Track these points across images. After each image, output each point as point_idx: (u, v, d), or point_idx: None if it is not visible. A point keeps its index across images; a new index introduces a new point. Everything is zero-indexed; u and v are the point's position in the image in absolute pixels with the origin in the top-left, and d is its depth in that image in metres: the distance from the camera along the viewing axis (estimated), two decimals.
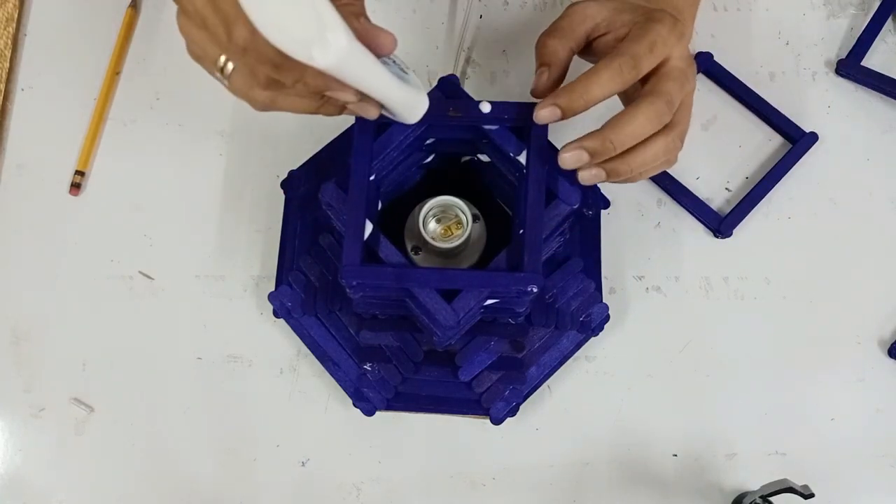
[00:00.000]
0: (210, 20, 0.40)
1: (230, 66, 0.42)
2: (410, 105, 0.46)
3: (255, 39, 0.37)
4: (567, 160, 0.47)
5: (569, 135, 0.49)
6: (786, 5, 0.70)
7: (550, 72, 0.50)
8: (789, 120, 0.66)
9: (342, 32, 0.36)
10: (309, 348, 0.60)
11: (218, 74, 0.43)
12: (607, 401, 0.61)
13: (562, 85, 0.49)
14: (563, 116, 0.48)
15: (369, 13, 0.46)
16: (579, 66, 0.52)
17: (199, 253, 0.64)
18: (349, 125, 0.61)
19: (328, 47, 0.36)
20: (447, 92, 0.53)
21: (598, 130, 0.47)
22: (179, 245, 0.64)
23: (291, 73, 0.40)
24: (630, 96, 0.52)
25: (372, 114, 0.46)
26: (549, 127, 0.50)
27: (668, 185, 0.65)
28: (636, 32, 0.48)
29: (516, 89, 0.68)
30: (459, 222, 0.56)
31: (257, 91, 0.42)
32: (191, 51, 0.43)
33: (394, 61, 0.45)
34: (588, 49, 0.52)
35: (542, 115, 0.48)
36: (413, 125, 0.52)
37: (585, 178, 0.48)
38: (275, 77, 0.41)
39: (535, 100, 0.50)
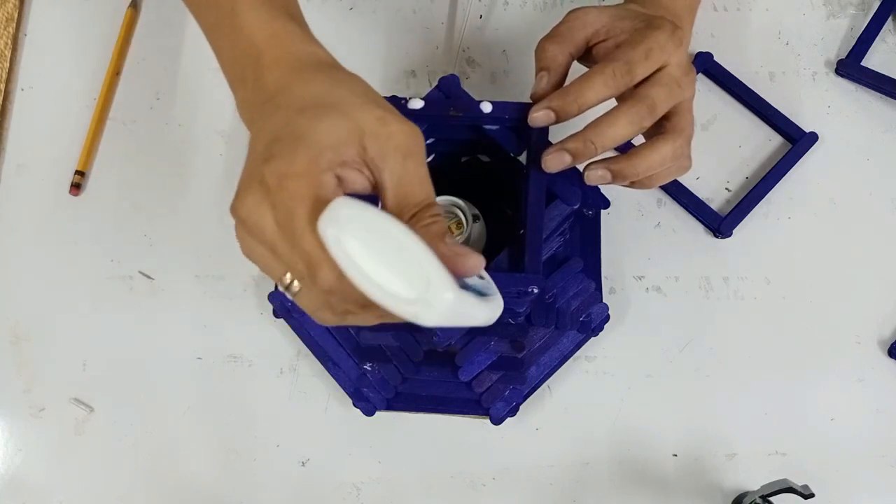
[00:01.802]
0: (283, 251, 0.37)
1: (297, 285, 0.38)
2: (491, 319, 0.40)
3: (342, 284, 0.35)
4: (549, 162, 0.48)
5: (568, 134, 0.49)
6: (786, 5, 0.70)
7: (549, 76, 0.50)
8: (789, 120, 0.66)
9: (449, 290, 0.33)
10: (309, 348, 0.60)
11: (281, 287, 0.39)
12: (607, 401, 0.61)
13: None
14: (558, 120, 0.48)
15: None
16: (581, 71, 0.52)
17: (199, 253, 0.64)
18: None
19: (433, 308, 0.33)
20: (447, 92, 0.53)
21: (579, 132, 0.48)
22: (179, 245, 0.64)
23: (375, 311, 0.37)
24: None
25: None
26: (551, 128, 0.51)
27: (669, 185, 0.65)
28: (633, 38, 0.48)
29: (516, 89, 0.68)
30: (459, 222, 0.56)
31: (328, 316, 0.39)
32: (248, 257, 0.39)
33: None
34: (588, 55, 0.52)
35: (537, 117, 0.48)
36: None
37: (591, 178, 0.49)
38: (353, 311, 0.38)
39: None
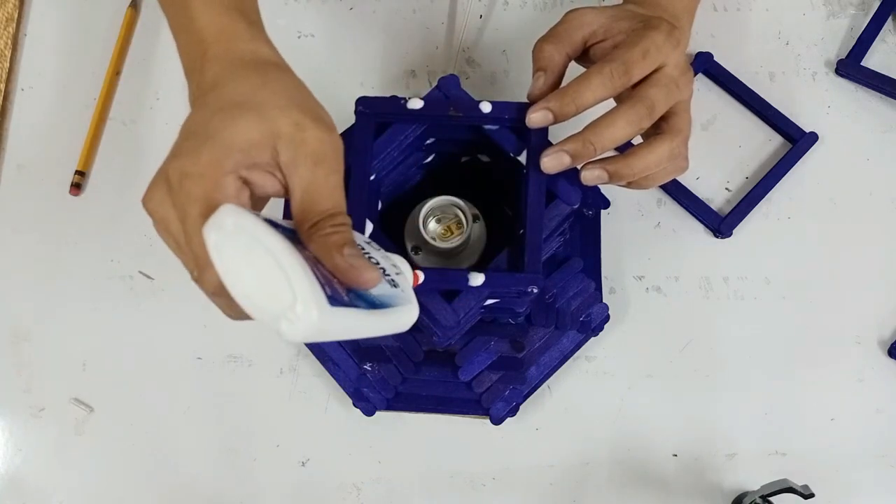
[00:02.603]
0: (182, 249, 0.38)
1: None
2: (396, 328, 0.40)
3: (224, 288, 0.35)
4: (548, 163, 0.48)
5: (567, 134, 0.49)
6: (786, 5, 0.70)
7: (546, 76, 0.50)
8: (789, 120, 0.66)
9: (313, 308, 0.33)
10: (309, 348, 0.60)
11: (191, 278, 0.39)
12: (607, 401, 0.61)
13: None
14: (556, 120, 0.48)
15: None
16: (577, 72, 0.52)
17: None
18: (349, 125, 0.61)
19: (295, 325, 0.33)
20: (447, 92, 0.53)
21: (578, 133, 0.48)
22: None
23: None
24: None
25: None
26: (550, 128, 0.51)
27: (668, 185, 0.65)
28: (631, 39, 0.48)
29: (516, 89, 0.68)
30: (459, 222, 0.56)
31: (226, 311, 0.39)
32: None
33: (385, 272, 0.40)
34: (585, 56, 0.52)
35: (534, 118, 0.48)
36: (413, 125, 0.52)
37: (588, 178, 0.49)
38: (241, 314, 0.38)
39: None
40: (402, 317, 0.39)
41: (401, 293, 0.40)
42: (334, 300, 0.34)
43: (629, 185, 0.51)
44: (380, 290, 0.38)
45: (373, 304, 0.37)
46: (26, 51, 0.69)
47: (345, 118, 0.55)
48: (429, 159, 0.57)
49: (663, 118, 0.49)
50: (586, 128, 0.48)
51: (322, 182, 0.39)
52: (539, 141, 0.51)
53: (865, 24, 0.68)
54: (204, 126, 0.39)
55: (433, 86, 0.54)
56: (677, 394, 0.61)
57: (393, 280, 0.40)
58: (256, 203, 0.41)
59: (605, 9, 0.51)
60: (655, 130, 0.49)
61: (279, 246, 0.34)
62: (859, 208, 0.65)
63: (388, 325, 0.38)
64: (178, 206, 0.37)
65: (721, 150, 0.66)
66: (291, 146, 0.38)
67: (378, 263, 0.40)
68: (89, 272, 0.64)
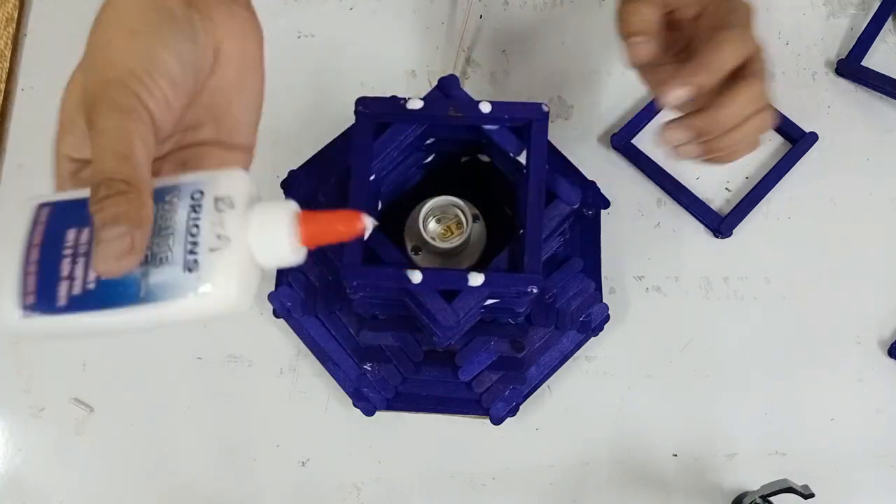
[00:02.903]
0: None
1: None
2: (169, 319, 0.33)
3: None
4: (671, 138, 0.45)
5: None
6: (786, 5, 0.70)
7: (650, 40, 0.46)
8: (789, 120, 0.66)
9: (12, 306, 0.32)
10: (309, 348, 0.60)
11: None
12: (607, 401, 0.61)
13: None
14: (697, 94, 0.45)
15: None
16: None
17: None
18: (349, 125, 0.61)
19: None
20: (447, 92, 0.53)
21: (703, 111, 0.45)
22: None
23: None
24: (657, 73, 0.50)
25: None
26: (549, 129, 0.50)
27: (668, 185, 0.65)
28: (730, 17, 0.46)
29: (516, 89, 0.68)
30: (459, 222, 0.56)
31: None
32: None
33: (183, 249, 0.33)
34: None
35: (678, 94, 0.45)
36: (413, 125, 0.52)
37: (671, 138, 0.46)
38: None
39: (533, 100, 0.50)
40: (176, 311, 0.32)
41: (195, 278, 0.32)
42: (40, 306, 0.33)
43: (713, 159, 0.47)
44: (159, 275, 0.32)
45: (131, 297, 0.32)
46: (26, 51, 0.69)
47: (345, 118, 0.55)
48: (429, 159, 0.57)
49: (737, 70, 0.46)
50: (712, 105, 0.45)
51: (96, 133, 0.32)
52: (539, 141, 0.51)
53: (866, 24, 0.68)
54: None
55: (433, 86, 0.54)
56: (677, 394, 0.61)
57: (194, 260, 0.32)
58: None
59: None
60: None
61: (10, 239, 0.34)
62: (859, 208, 0.65)
63: (146, 320, 0.33)
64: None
65: None
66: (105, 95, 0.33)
67: (169, 233, 0.33)
68: None
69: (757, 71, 0.46)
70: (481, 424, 0.60)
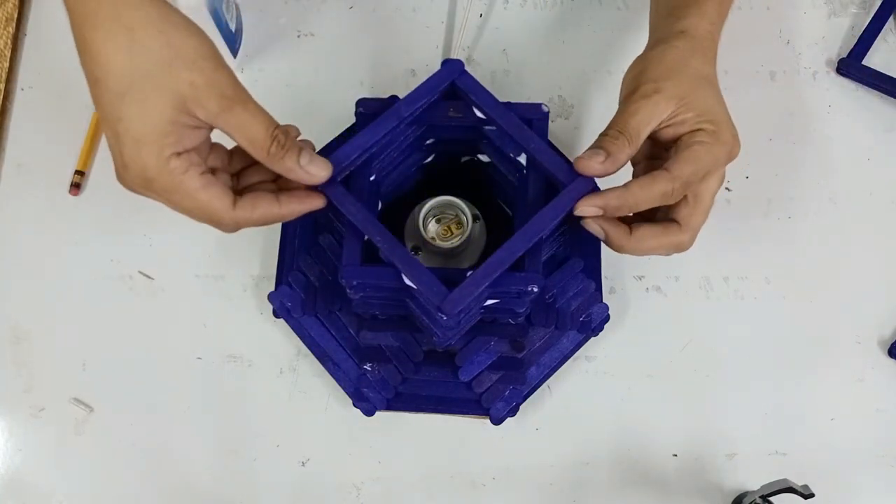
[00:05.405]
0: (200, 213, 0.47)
1: None
2: None
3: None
4: (586, 212, 0.47)
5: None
6: (786, 4, 0.70)
7: (607, 163, 0.47)
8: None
9: None
10: (309, 348, 0.60)
11: None
12: (607, 401, 0.61)
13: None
14: (605, 216, 0.47)
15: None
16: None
17: (199, 253, 0.64)
18: (349, 125, 0.61)
19: None
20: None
21: (619, 189, 0.46)
22: (179, 245, 0.64)
23: None
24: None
25: None
26: (549, 129, 0.50)
27: None
28: (696, 153, 0.46)
29: (516, 89, 0.68)
30: (459, 222, 0.56)
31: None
32: None
33: None
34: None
35: (586, 211, 0.47)
36: (413, 125, 0.52)
37: (582, 211, 0.47)
38: None
39: (533, 101, 0.50)
40: None
41: None
42: None
43: (620, 248, 0.48)
44: None
45: None
46: (26, 51, 0.69)
47: (345, 118, 0.55)
48: (429, 159, 0.57)
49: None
50: (628, 186, 0.46)
51: (241, 114, 0.42)
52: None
53: (867, 23, 0.68)
54: (119, 125, 0.42)
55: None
56: (677, 394, 0.61)
57: None
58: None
59: (674, 90, 0.48)
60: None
61: None
62: (859, 208, 0.65)
63: None
64: (167, 199, 0.44)
65: None
66: (199, 102, 0.41)
67: None
68: (89, 272, 0.64)
69: (691, 223, 0.48)
70: (481, 424, 0.60)
